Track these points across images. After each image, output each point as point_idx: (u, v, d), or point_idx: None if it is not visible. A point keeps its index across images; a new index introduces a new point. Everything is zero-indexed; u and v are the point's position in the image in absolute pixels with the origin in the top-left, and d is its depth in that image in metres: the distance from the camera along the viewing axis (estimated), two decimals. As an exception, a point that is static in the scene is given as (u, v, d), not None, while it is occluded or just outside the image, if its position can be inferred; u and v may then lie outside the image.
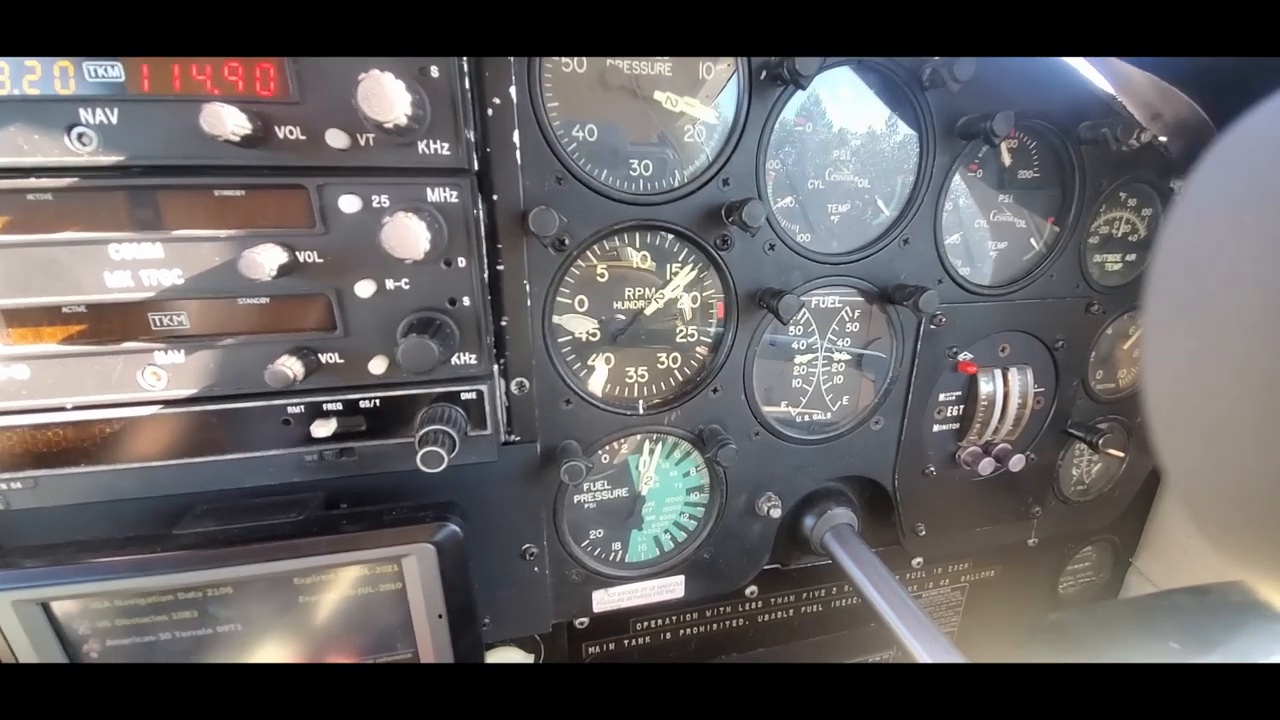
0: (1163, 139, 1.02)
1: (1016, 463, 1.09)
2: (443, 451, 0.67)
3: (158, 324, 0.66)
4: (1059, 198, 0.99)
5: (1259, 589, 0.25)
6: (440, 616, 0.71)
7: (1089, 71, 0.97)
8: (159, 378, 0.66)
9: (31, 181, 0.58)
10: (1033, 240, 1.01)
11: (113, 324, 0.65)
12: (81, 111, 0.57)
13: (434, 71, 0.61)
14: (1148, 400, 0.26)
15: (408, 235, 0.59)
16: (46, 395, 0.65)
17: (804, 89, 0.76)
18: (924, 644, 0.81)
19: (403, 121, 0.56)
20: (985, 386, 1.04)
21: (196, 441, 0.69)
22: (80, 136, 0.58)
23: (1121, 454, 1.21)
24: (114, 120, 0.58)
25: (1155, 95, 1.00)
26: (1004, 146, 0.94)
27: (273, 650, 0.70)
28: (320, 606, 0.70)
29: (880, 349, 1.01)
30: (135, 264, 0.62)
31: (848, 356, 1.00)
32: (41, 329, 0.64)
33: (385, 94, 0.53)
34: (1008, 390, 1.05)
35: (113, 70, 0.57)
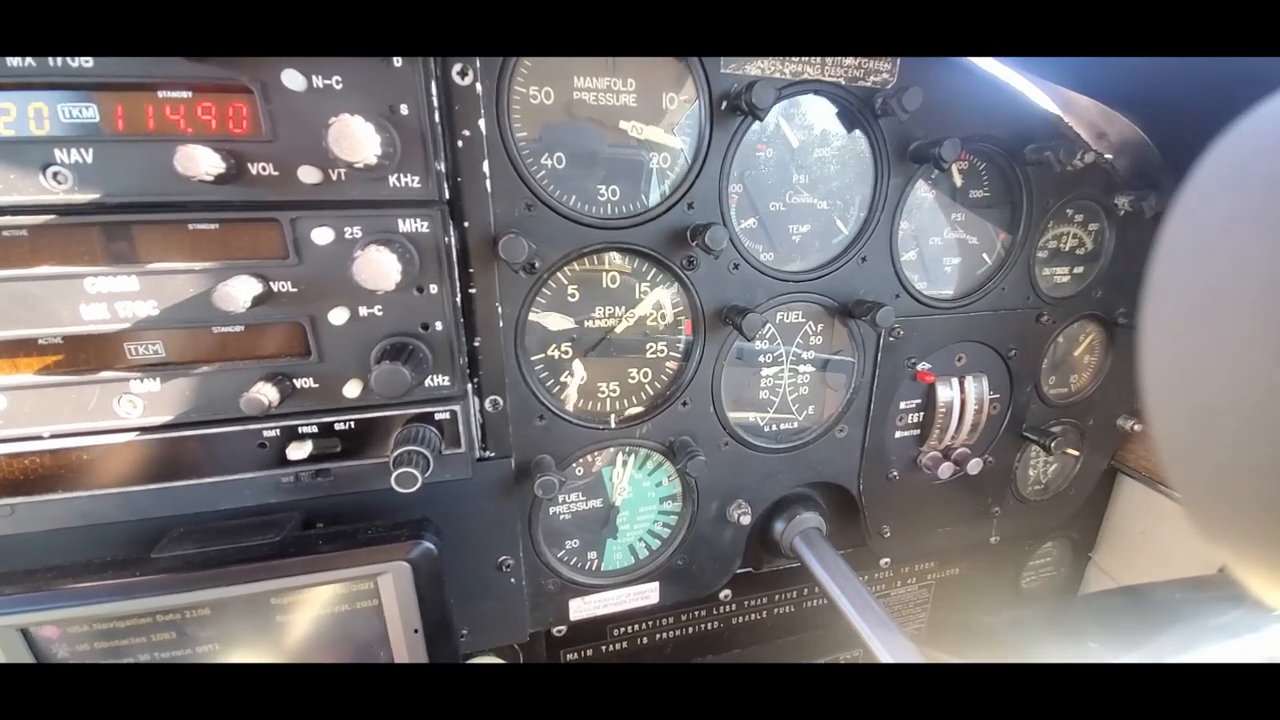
0: (1108, 156, 1.08)
1: (975, 466, 1.14)
2: (416, 472, 0.70)
3: (133, 353, 0.67)
4: (1009, 215, 1.04)
5: (1248, 581, 0.25)
6: (416, 631, 0.74)
7: (1036, 95, 1.02)
8: (135, 405, 0.68)
9: (7, 219, 0.60)
10: (985, 255, 1.06)
11: (89, 354, 0.67)
12: (57, 151, 0.59)
13: (404, 110, 0.64)
14: (1146, 388, 0.26)
15: (379, 268, 0.61)
16: (23, 424, 0.66)
17: (761, 120, 0.80)
18: (884, 642, 0.85)
19: (372, 162, 0.58)
20: (943, 394, 1.09)
21: (173, 466, 0.71)
22: (56, 175, 0.60)
23: (1076, 453, 1.27)
24: (89, 160, 0.60)
25: (1099, 116, 1.06)
26: (955, 168, 0.99)
27: (253, 668, 0.72)
28: (298, 625, 0.72)
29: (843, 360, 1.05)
30: (111, 297, 0.64)
31: (812, 368, 1.04)
32: (18, 360, 0.65)
33: (354, 137, 0.56)
34: (964, 397, 1.10)
35: (87, 111, 0.59)
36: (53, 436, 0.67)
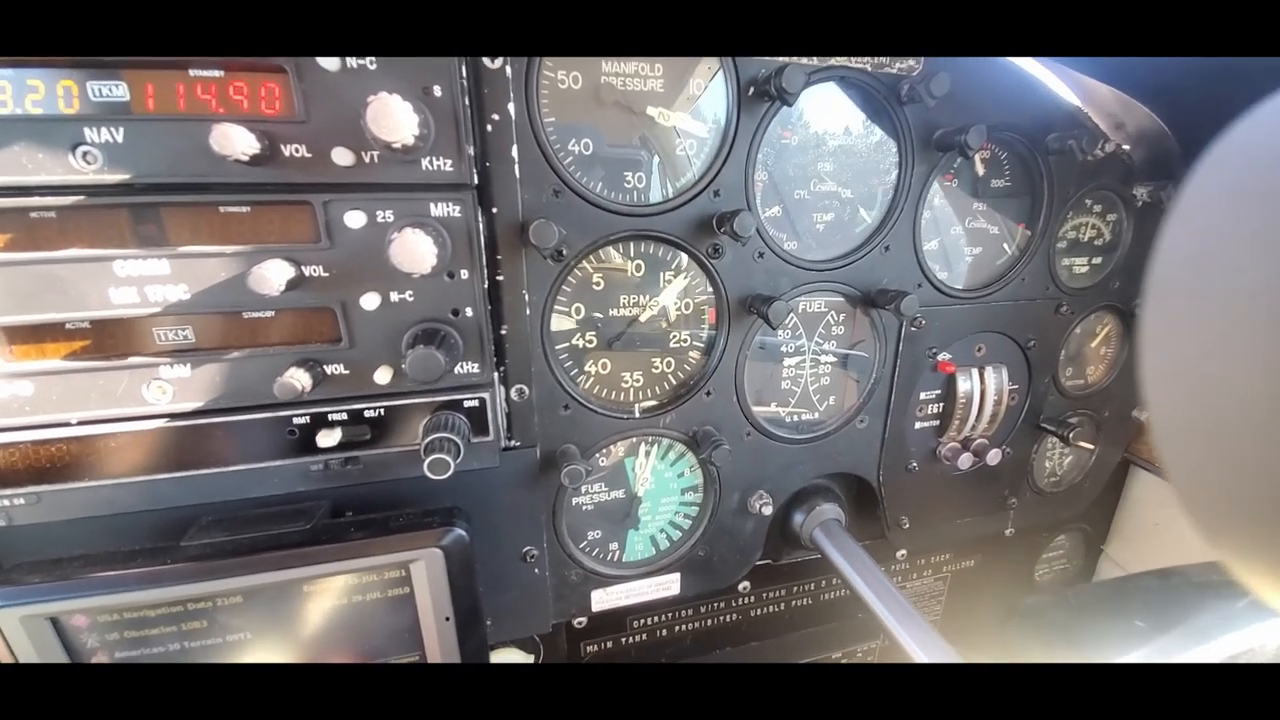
0: (1126, 147, 1.08)
1: (993, 457, 1.14)
2: (449, 459, 0.69)
3: (163, 338, 0.66)
4: (1029, 205, 1.05)
5: (1247, 581, 0.25)
6: (448, 619, 0.73)
7: (1056, 85, 1.02)
8: (164, 392, 0.67)
9: (35, 200, 0.59)
10: (1005, 245, 1.06)
11: (117, 339, 0.66)
12: (86, 130, 0.58)
13: (437, 91, 0.63)
14: (1147, 393, 0.27)
15: (416, 251, 0.61)
16: (50, 411, 0.65)
17: (790, 105, 0.80)
18: (910, 632, 0.85)
19: (410, 141, 0.58)
20: (963, 385, 1.09)
21: (202, 454, 0.70)
22: (85, 155, 0.58)
23: (1091, 446, 1.27)
24: (119, 139, 0.59)
25: (1118, 106, 1.06)
26: (977, 158, 0.99)
27: (282, 656, 0.71)
28: (329, 612, 0.71)
29: (864, 351, 1.05)
30: (140, 280, 0.63)
31: (834, 358, 1.04)
32: (45, 345, 0.64)
33: (394, 116, 0.55)
34: (984, 388, 1.10)
35: (117, 89, 0.58)
36: (80, 423, 0.66)
